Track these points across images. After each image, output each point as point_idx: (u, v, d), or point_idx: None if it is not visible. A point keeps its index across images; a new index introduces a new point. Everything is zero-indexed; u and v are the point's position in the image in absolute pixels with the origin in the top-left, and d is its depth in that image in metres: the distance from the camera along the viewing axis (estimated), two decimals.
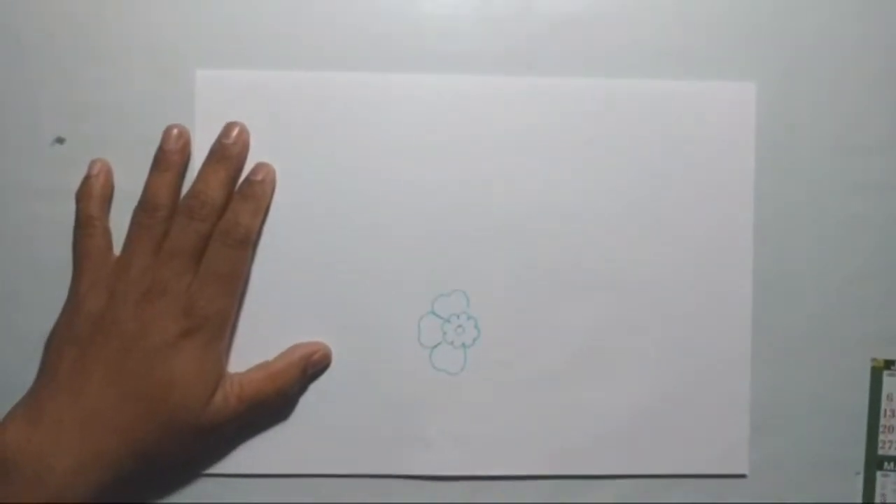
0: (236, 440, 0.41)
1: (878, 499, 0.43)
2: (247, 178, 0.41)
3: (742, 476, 0.43)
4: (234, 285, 0.40)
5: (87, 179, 0.41)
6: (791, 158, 0.43)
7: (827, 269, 0.43)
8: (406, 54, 0.42)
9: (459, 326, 0.42)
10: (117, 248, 0.40)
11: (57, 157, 0.41)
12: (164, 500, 0.41)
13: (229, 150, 0.40)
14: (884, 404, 0.43)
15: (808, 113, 0.43)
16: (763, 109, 0.43)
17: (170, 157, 0.40)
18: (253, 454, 0.42)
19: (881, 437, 0.43)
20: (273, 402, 0.40)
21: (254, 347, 0.42)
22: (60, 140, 0.42)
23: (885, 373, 0.43)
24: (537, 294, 0.42)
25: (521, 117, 0.42)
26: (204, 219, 0.39)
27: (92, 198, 0.40)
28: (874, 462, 0.43)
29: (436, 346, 0.42)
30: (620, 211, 0.42)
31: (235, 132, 0.41)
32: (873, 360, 0.43)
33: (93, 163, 0.41)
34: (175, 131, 0.41)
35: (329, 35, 0.42)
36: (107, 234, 0.40)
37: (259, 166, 0.41)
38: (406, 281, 0.42)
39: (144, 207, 0.40)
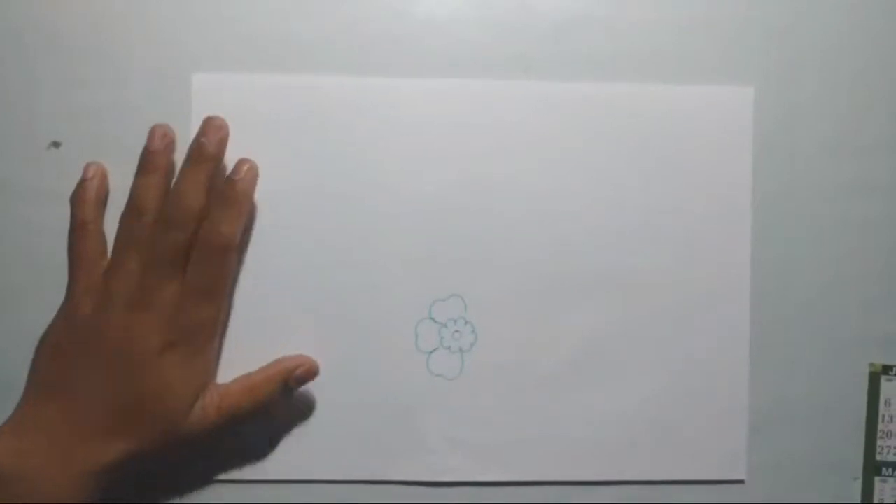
0: (220, 447, 0.41)
1: (875, 503, 0.43)
2: (228, 177, 0.40)
3: (740, 482, 0.43)
4: (219, 294, 0.39)
5: (81, 183, 0.40)
6: (788, 162, 0.43)
7: (824, 274, 0.43)
8: (403, 58, 0.42)
9: (457, 331, 0.42)
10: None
11: (53, 161, 0.41)
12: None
13: (207, 150, 0.39)
14: (881, 409, 0.43)
15: (805, 117, 0.43)
16: (760, 113, 0.43)
17: (155, 158, 0.39)
18: (251, 460, 0.41)
19: (879, 442, 0.43)
20: (251, 413, 0.40)
21: (250, 353, 0.41)
22: (56, 144, 0.42)
23: (883, 377, 0.43)
24: (534, 298, 0.42)
25: (518, 121, 0.42)
26: (182, 227, 0.38)
27: (86, 202, 0.40)
28: (872, 467, 0.43)
29: (433, 351, 0.42)
30: (618, 215, 0.42)
31: (213, 129, 0.40)
32: (871, 364, 0.43)
33: (87, 166, 0.41)
34: (160, 131, 0.40)
35: (327, 39, 0.42)
36: (101, 238, 0.40)
37: (240, 163, 0.40)
38: (403, 286, 0.42)
39: (131, 212, 0.39)
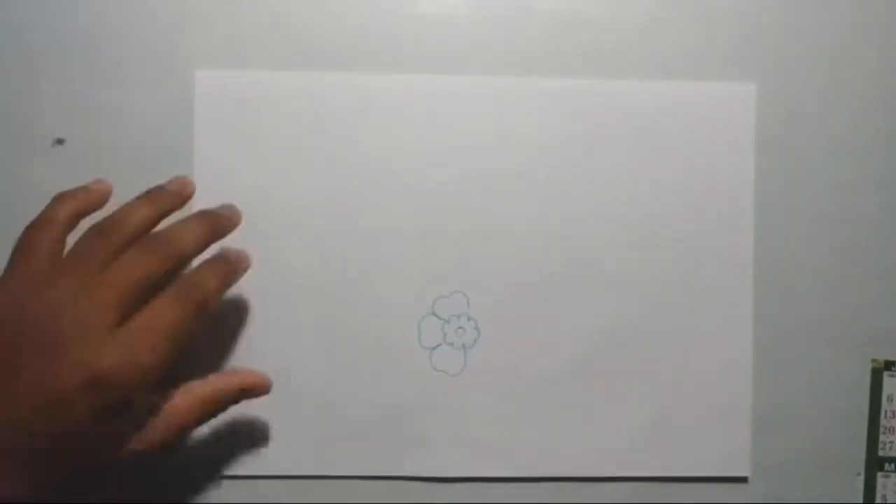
0: (222, 444, 0.41)
1: (878, 500, 0.43)
2: (228, 247, 0.39)
3: (744, 479, 0.43)
4: (171, 345, 0.34)
5: (78, 188, 0.38)
6: (791, 159, 0.43)
7: (827, 270, 0.43)
8: (405, 55, 0.42)
9: (460, 328, 0.42)
10: None
11: (57, 158, 0.41)
12: (162, 501, 0.41)
13: (220, 220, 0.38)
14: (884, 405, 0.43)
15: (808, 113, 0.43)
16: (763, 110, 0.43)
17: (161, 193, 0.37)
18: (253, 456, 0.41)
19: (882, 438, 0.43)
20: (199, 426, 0.37)
21: (251, 351, 0.41)
22: (60, 141, 0.42)
23: (886, 373, 0.43)
24: (537, 295, 0.42)
25: (519, 118, 0.42)
26: (163, 261, 0.35)
27: (67, 204, 0.37)
28: (875, 463, 0.43)
29: (436, 348, 0.42)
30: (620, 212, 0.42)
31: (232, 210, 0.39)
32: (873, 360, 0.43)
33: (97, 180, 0.39)
34: (182, 180, 0.39)
35: (328, 36, 0.42)
36: (59, 243, 0.36)
37: (240, 253, 0.39)
38: (406, 282, 0.42)
39: (106, 223, 0.36)
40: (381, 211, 0.42)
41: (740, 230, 0.43)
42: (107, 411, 0.33)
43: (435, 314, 0.42)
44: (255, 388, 0.39)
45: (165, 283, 0.35)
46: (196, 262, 0.37)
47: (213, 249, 0.38)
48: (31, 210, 0.40)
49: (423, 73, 0.42)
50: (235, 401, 0.38)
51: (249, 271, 0.41)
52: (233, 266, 0.38)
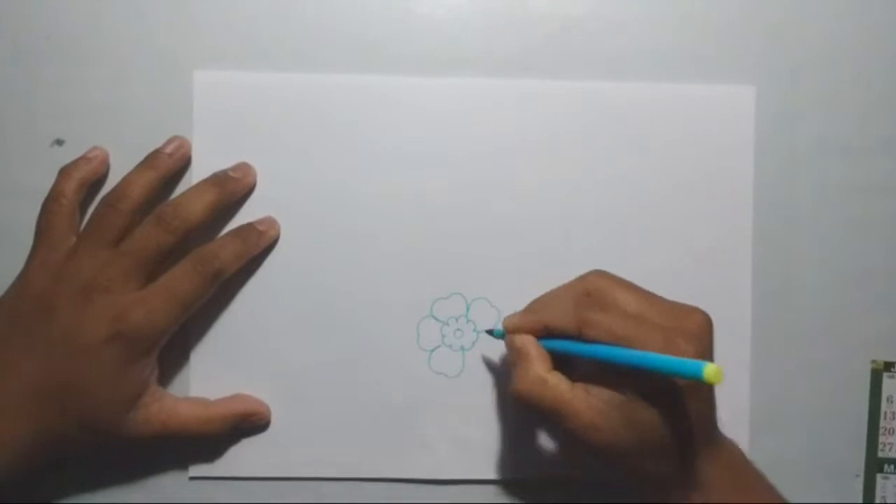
0: (218, 443, 0.42)
1: (878, 501, 0.43)
2: (250, 224, 0.41)
3: None
4: (183, 310, 0.38)
5: (78, 159, 0.40)
6: (790, 161, 0.43)
7: (826, 272, 0.43)
8: (405, 57, 0.42)
9: (458, 329, 0.42)
10: None
11: (56, 159, 0.41)
12: (159, 501, 0.42)
13: (230, 183, 0.40)
14: (884, 406, 0.43)
15: (807, 116, 0.43)
16: (762, 112, 0.43)
17: (159, 158, 0.40)
18: (251, 457, 0.41)
19: (881, 439, 0.43)
20: (196, 437, 0.40)
21: (251, 351, 0.42)
22: (59, 142, 0.42)
23: (885, 375, 0.43)
24: (535, 296, 0.42)
25: (519, 120, 0.42)
26: (172, 231, 0.38)
27: (71, 177, 0.40)
28: (874, 465, 0.43)
29: (435, 350, 0.42)
30: (619, 214, 0.42)
31: (243, 170, 0.41)
32: (873, 362, 0.43)
33: (92, 148, 0.41)
34: (176, 141, 0.41)
35: (327, 38, 0.42)
36: (73, 216, 0.39)
37: (267, 220, 0.41)
38: (405, 284, 0.42)
39: (112, 195, 0.39)
40: (379, 212, 0.42)
41: (739, 231, 0.43)
42: (127, 362, 0.37)
43: (434, 316, 0.42)
44: (256, 416, 0.41)
45: (181, 249, 0.39)
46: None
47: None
48: (32, 211, 0.40)
49: (422, 76, 0.42)
50: (234, 429, 0.41)
51: (247, 273, 0.41)
52: (253, 238, 0.40)
